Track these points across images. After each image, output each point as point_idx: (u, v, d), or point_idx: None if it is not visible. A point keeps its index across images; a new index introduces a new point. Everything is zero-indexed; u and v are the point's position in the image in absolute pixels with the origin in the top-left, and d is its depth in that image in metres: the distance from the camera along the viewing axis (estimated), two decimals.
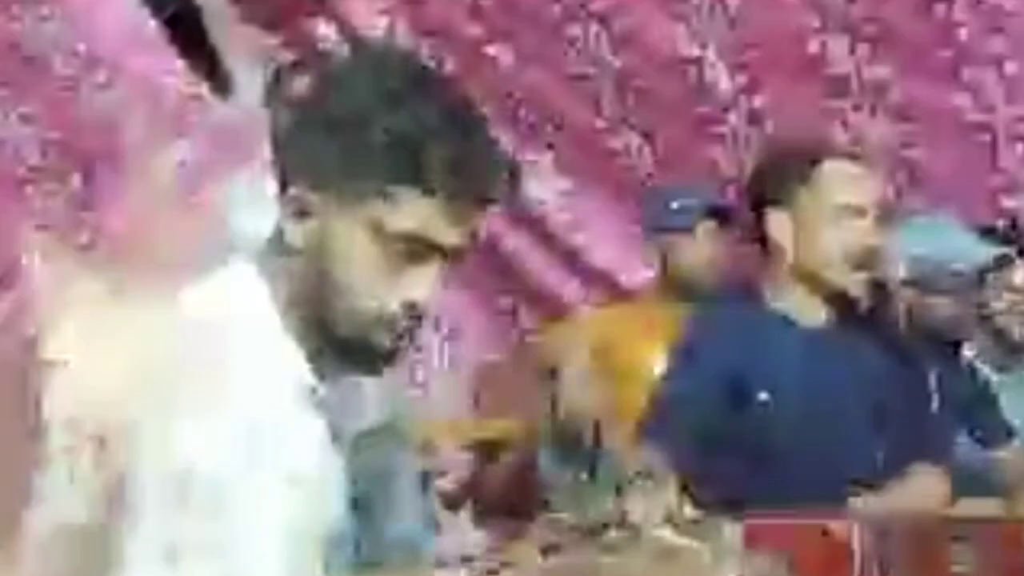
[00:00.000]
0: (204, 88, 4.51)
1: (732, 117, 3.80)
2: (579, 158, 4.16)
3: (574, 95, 4.03)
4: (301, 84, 1.45)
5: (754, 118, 3.77)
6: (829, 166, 2.63)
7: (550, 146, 4.19)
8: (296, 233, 1.39)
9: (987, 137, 3.50)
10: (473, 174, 1.37)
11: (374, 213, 1.36)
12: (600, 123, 4.04)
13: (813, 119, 3.66)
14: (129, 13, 4.40)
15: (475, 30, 4.07)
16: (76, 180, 4.61)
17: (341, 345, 1.42)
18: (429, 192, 1.35)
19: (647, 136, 4.00)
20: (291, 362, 1.45)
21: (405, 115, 1.34)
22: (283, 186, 1.42)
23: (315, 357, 1.44)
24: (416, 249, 1.38)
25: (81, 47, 4.44)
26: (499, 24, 4.03)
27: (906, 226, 3.04)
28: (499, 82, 4.09)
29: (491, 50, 4.07)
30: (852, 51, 3.55)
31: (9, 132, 4.54)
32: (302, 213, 1.39)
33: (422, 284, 1.40)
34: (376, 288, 1.38)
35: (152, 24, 4.40)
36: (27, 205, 4.63)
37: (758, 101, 3.75)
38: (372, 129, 1.34)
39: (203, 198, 4.02)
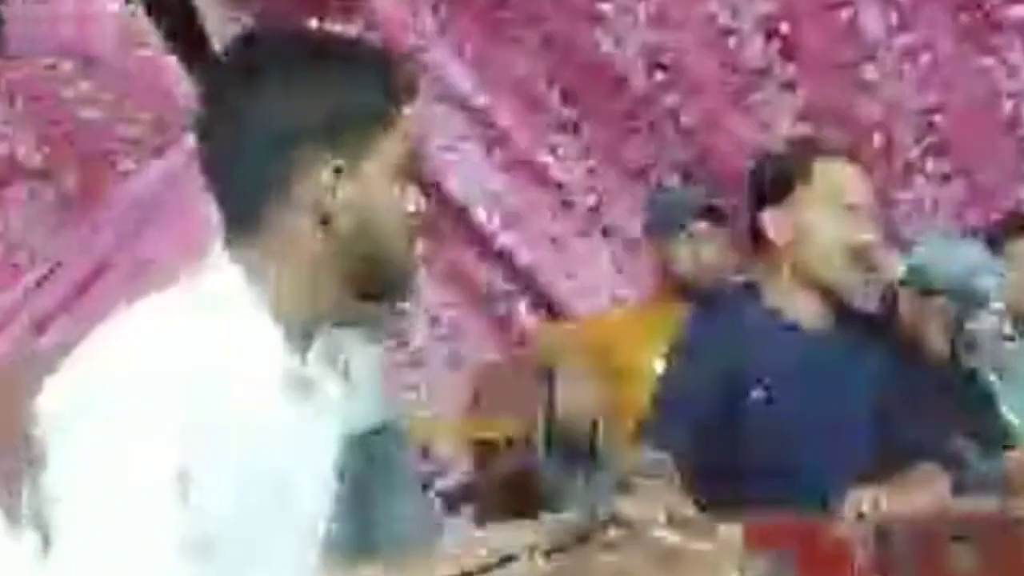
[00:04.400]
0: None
1: (765, 87, 3.83)
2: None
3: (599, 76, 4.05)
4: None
5: (787, 87, 3.81)
6: (826, 165, 2.63)
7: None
8: (334, 205, 1.45)
9: (1010, 105, 3.52)
10: (413, 74, 1.55)
11: (395, 142, 1.47)
12: (624, 103, 4.07)
13: (844, 87, 3.69)
14: (127, 13, 4.40)
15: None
16: (69, 180, 4.60)
17: (381, 282, 1.51)
18: (407, 102, 1.50)
19: (672, 113, 4.03)
20: (281, 354, 1.45)
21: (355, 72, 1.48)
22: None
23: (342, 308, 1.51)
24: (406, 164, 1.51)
25: (80, 47, 4.43)
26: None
27: (920, 239, 3.06)
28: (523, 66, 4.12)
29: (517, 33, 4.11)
30: (883, 18, 3.59)
31: (7, 131, 4.53)
32: (331, 186, 1.45)
33: (415, 189, 1.52)
34: (402, 216, 1.49)
35: (150, 24, 4.40)
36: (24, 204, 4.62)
37: (791, 70, 3.78)
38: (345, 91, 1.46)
39: (200, 201, 4.01)
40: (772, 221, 2.62)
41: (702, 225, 3.52)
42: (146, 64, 4.42)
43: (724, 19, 3.80)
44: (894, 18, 3.59)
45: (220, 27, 4.37)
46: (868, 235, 2.58)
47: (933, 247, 2.89)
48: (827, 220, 2.58)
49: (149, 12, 4.38)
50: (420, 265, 1.57)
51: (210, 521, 1.37)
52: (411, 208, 1.50)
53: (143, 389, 1.34)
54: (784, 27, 3.75)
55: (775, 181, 2.65)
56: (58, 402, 1.36)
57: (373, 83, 1.47)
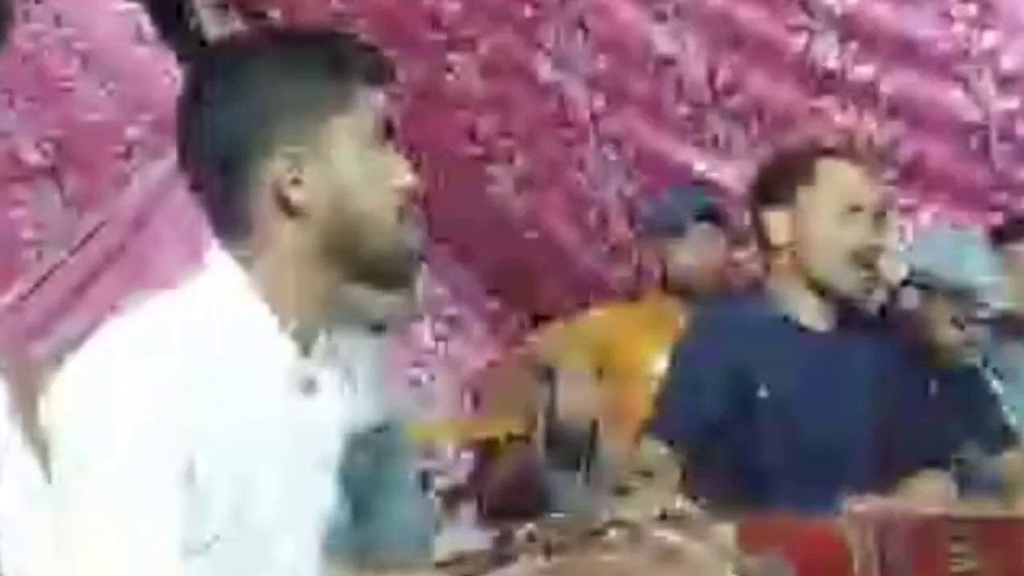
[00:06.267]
0: None
1: (711, 118, 3.78)
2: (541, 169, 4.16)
3: (540, 103, 4.02)
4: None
5: (736, 118, 3.76)
6: (829, 166, 2.62)
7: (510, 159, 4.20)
8: (300, 194, 1.44)
9: (979, 134, 3.49)
10: (375, 57, 1.51)
11: (363, 119, 1.46)
12: (567, 132, 4.02)
13: (799, 118, 3.65)
14: (127, 12, 4.40)
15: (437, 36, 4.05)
16: (73, 180, 4.60)
17: (374, 266, 1.49)
18: (367, 83, 1.48)
19: (617, 142, 3.98)
20: (282, 353, 1.45)
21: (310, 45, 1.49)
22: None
23: (341, 289, 1.50)
24: (382, 138, 1.49)
25: (80, 46, 4.43)
26: (462, 29, 4.01)
27: (917, 240, 3.04)
28: (461, 90, 4.08)
29: (453, 58, 4.06)
30: (841, 48, 3.54)
31: (7, 131, 4.54)
32: (295, 180, 1.44)
33: (402, 166, 1.49)
34: (386, 193, 1.47)
35: (149, 23, 4.40)
36: (24, 204, 4.63)
37: (738, 101, 3.73)
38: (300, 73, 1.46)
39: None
40: (774, 222, 2.62)
41: (703, 225, 3.52)
42: (148, 65, 4.43)
43: (665, 47, 3.75)
44: (853, 47, 3.54)
45: (219, 28, 4.37)
46: (870, 236, 2.58)
47: (935, 246, 2.89)
48: (830, 222, 2.57)
49: (151, 13, 4.38)
50: (418, 245, 1.53)
51: (213, 520, 1.37)
52: (396, 183, 1.48)
53: (146, 391, 1.34)
54: (732, 58, 3.70)
55: (777, 181, 2.65)
56: (62, 404, 1.36)
57: (321, 68, 1.46)
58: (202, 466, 1.35)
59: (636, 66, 3.78)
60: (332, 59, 1.47)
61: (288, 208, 1.44)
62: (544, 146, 4.09)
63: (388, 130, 1.49)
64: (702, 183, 3.80)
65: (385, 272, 1.51)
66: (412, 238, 1.50)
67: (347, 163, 1.45)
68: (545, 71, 3.93)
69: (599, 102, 3.93)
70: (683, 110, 3.78)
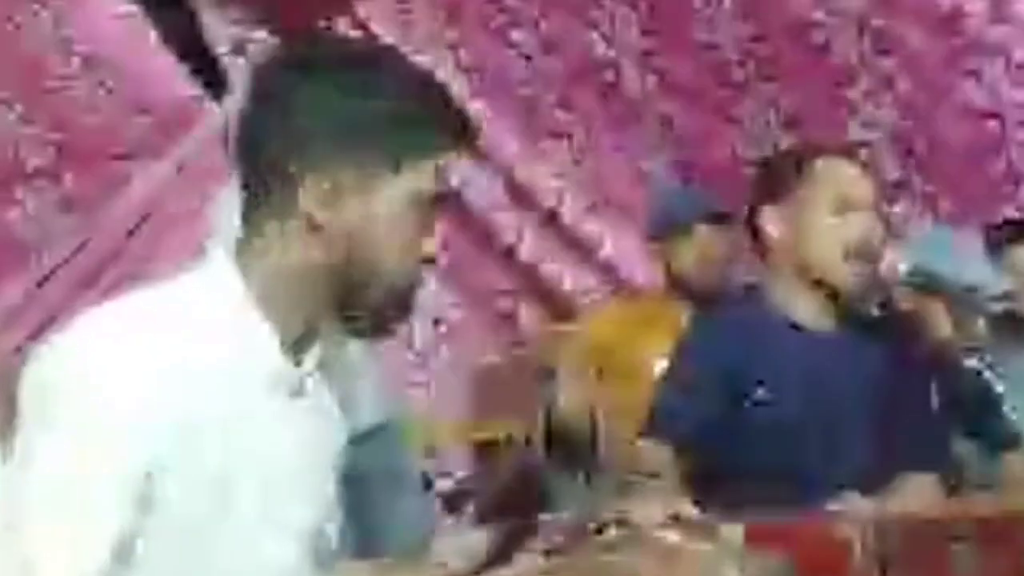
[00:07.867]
0: (201, 89, 4.51)
1: (749, 101, 3.83)
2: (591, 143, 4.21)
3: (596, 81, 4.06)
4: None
5: (771, 103, 3.82)
6: (825, 163, 2.63)
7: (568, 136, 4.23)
8: (327, 216, 1.41)
9: (994, 125, 3.50)
10: (456, 123, 1.47)
11: (413, 183, 1.43)
12: (620, 108, 4.07)
13: (824, 107, 3.69)
14: (128, 13, 4.40)
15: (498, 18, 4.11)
16: (70, 180, 4.61)
17: (368, 311, 1.46)
18: (433, 153, 1.44)
19: (668, 120, 4.02)
20: (271, 356, 1.44)
21: (395, 92, 1.44)
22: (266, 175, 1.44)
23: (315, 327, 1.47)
24: (428, 204, 1.45)
25: (80, 47, 4.44)
26: (521, 9, 4.07)
27: (917, 241, 3.04)
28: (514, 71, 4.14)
29: (514, 35, 4.12)
30: (859, 40, 3.58)
31: (7, 132, 4.54)
32: (330, 200, 1.41)
33: (433, 238, 1.47)
34: (407, 254, 1.45)
35: (149, 24, 4.40)
36: (24, 205, 4.63)
37: (773, 88, 3.79)
38: (376, 110, 1.42)
39: (203, 201, 4.02)
40: (773, 220, 2.62)
41: (706, 226, 3.53)
42: (149, 66, 4.43)
43: (703, 34, 3.79)
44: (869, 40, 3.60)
45: (223, 30, 4.38)
46: (867, 232, 2.58)
47: (935, 246, 2.89)
48: (828, 220, 2.58)
49: (152, 14, 4.39)
50: (415, 309, 1.48)
51: (186, 519, 1.36)
52: (422, 252, 1.45)
53: (124, 376, 1.32)
54: (762, 47, 3.73)
55: (776, 180, 2.65)
56: (33, 387, 1.35)
57: (401, 115, 1.43)
58: (174, 464, 1.34)
59: (682, 47, 3.85)
60: (414, 111, 1.43)
61: (312, 226, 1.42)
62: (597, 122, 4.15)
63: (439, 198, 1.46)
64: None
65: (372, 317, 1.47)
66: (414, 303, 1.47)
67: (383, 212, 1.42)
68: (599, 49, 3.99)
69: (651, 81, 3.98)
70: (723, 92, 3.86)
